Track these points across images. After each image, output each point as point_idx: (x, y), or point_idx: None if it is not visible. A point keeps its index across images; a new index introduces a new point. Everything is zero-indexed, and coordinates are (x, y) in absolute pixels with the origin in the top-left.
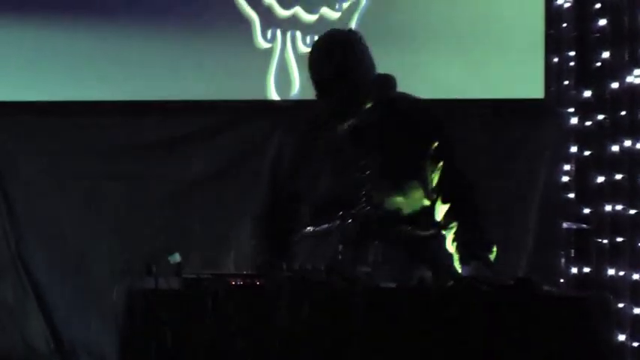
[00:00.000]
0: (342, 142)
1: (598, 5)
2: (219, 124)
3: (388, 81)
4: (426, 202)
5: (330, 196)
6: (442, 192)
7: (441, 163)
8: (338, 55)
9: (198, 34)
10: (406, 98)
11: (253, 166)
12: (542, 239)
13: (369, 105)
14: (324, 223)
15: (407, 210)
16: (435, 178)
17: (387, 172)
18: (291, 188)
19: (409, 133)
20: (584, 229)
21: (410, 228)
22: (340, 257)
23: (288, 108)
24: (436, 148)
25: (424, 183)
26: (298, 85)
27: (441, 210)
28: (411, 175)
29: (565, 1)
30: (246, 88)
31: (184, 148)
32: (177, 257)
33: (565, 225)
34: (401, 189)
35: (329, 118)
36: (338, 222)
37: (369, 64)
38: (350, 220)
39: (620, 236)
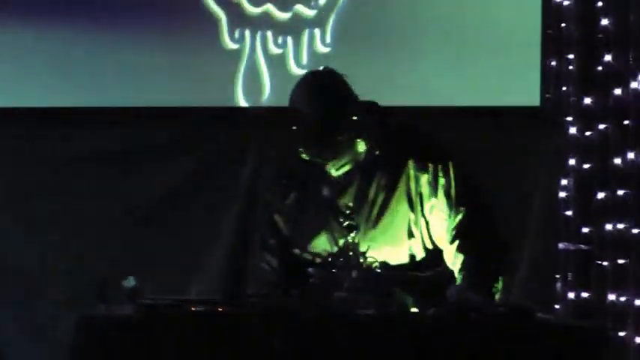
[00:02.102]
0: (330, 188)
1: (601, 3)
2: (181, 135)
3: (374, 109)
4: (426, 251)
5: (315, 243)
6: (461, 242)
7: (461, 210)
8: (329, 95)
9: (158, 34)
10: (405, 129)
11: (220, 182)
12: (537, 261)
13: (362, 146)
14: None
15: (395, 260)
16: (452, 224)
17: (370, 214)
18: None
19: (398, 167)
20: (583, 250)
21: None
22: (314, 282)
23: (258, 116)
24: (450, 191)
25: (411, 222)
26: (269, 90)
27: (452, 258)
28: (396, 215)
29: None
30: (211, 94)
31: (142, 161)
32: (132, 281)
33: (562, 246)
34: (385, 232)
35: (314, 161)
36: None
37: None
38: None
39: (624, 258)
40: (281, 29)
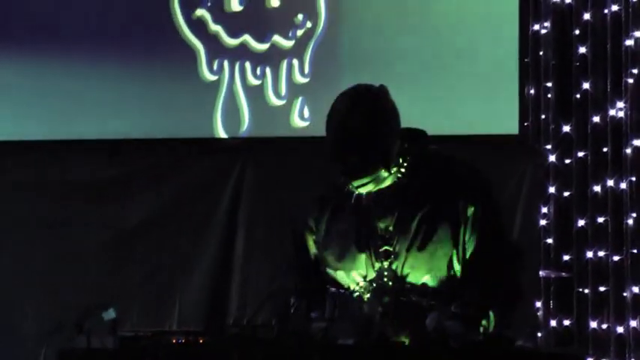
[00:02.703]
0: (367, 209)
1: (578, 31)
2: (162, 166)
3: (418, 136)
4: (451, 275)
5: (352, 266)
6: (471, 274)
7: (476, 235)
8: (367, 107)
9: (138, 66)
10: (441, 157)
11: (200, 212)
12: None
13: (395, 169)
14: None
15: (432, 283)
16: (469, 249)
17: (414, 241)
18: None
19: (440, 197)
20: (564, 277)
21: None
22: (293, 311)
23: (237, 147)
24: (474, 214)
25: (454, 254)
26: (248, 121)
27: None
28: (440, 245)
29: (542, 27)
30: (191, 125)
31: (123, 191)
32: (112, 313)
33: (543, 273)
34: (428, 260)
35: (350, 182)
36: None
37: (397, 125)
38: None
39: (604, 285)
40: (259, 60)
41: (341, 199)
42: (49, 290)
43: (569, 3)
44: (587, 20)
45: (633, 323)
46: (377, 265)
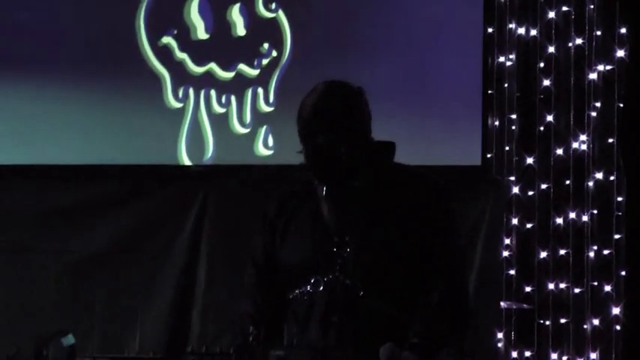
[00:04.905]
0: (326, 206)
1: (542, 64)
2: (125, 192)
3: (388, 148)
4: (407, 283)
5: (306, 260)
6: (427, 286)
7: (435, 248)
8: (341, 93)
9: (104, 92)
10: (408, 169)
11: (162, 238)
12: (480, 320)
13: (363, 171)
14: (297, 287)
15: (382, 287)
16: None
17: (370, 242)
18: (268, 256)
19: (403, 205)
20: (525, 309)
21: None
22: (252, 339)
23: (201, 175)
24: (435, 228)
25: (411, 263)
26: (212, 149)
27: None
28: (396, 251)
29: (507, 59)
30: (155, 152)
31: (86, 217)
32: (71, 339)
33: (504, 305)
34: (381, 263)
35: (314, 180)
36: (308, 287)
37: (366, 120)
38: (321, 287)
39: (564, 317)
40: (224, 88)
41: (301, 200)
42: (9, 316)
43: (534, 36)
44: (552, 53)
45: (593, 355)
46: (332, 266)
